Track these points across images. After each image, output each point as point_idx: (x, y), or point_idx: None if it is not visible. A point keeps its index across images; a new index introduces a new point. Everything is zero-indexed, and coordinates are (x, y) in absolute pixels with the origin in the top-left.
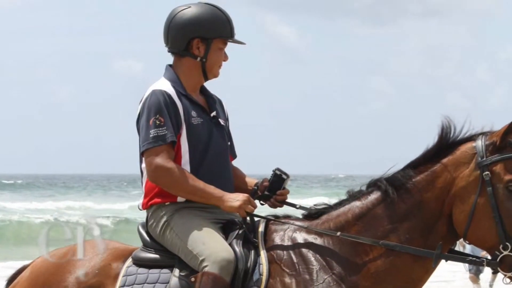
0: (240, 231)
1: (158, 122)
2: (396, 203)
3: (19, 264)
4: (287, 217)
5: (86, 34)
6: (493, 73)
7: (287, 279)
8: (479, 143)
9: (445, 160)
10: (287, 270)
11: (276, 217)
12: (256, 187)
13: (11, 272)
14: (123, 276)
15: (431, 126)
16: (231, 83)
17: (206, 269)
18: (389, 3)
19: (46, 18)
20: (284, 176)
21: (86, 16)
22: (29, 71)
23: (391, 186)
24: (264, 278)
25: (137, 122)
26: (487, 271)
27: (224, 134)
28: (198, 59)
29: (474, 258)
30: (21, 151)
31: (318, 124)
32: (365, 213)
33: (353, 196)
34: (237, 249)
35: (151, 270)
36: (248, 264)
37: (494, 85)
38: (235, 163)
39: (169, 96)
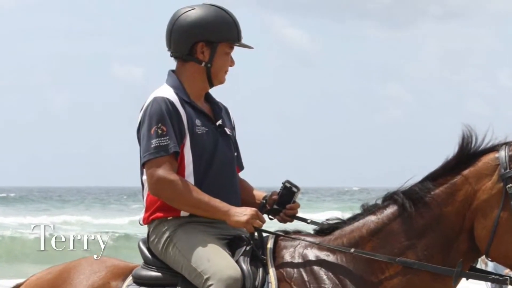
0: (248, 248)
1: (160, 132)
2: (413, 218)
3: (12, 283)
4: (298, 232)
5: (83, 37)
6: None
7: None
8: (502, 154)
9: (466, 172)
10: None
11: (286, 232)
12: (264, 201)
13: None
14: None
15: (451, 135)
16: (237, 89)
17: None
18: (406, 4)
19: (41, 20)
20: (294, 189)
21: (84, 18)
22: (22, 76)
23: (409, 199)
24: None
25: (137, 131)
26: None
27: (231, 144)
28: (203, 64)
29: (497, 276)
30: (13, 162)
31: (330, 132)
32: (380, 229)
33: (368, 210)
34: (244, 266)
35: None
36: (256, 283)
37: None
38: (242, 175)
39: (172, 103)
